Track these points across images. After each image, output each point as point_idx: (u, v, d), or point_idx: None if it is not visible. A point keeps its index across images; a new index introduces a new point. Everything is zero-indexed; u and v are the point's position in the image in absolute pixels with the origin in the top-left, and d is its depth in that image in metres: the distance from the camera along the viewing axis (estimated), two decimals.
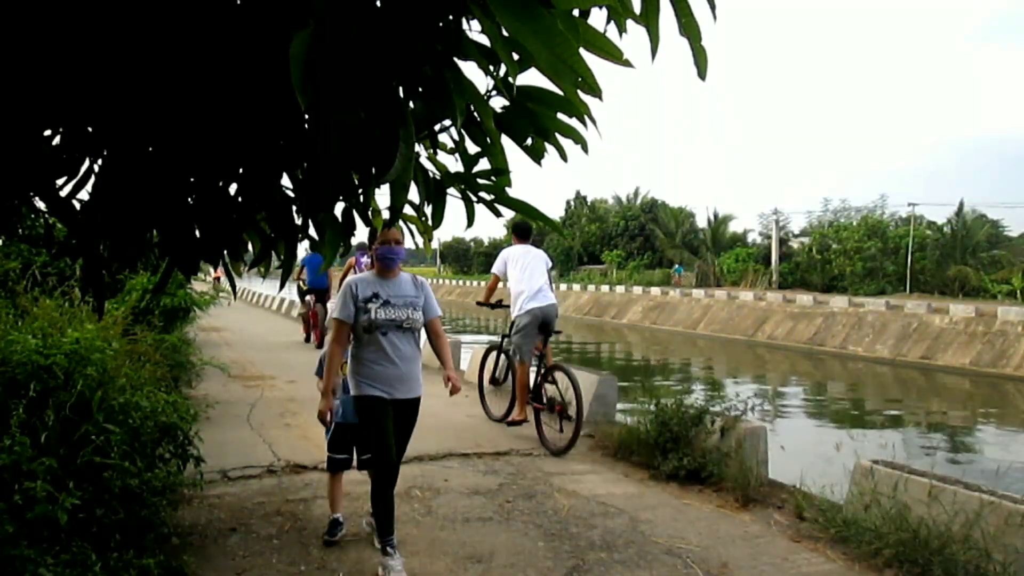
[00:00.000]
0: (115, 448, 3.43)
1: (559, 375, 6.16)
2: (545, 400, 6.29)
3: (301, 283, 13.52)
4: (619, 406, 7.62)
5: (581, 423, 5.83)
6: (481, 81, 2.40)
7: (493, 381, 7.62)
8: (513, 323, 6.63)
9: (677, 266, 42.88)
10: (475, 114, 1.52)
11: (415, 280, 3.87)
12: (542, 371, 6.48)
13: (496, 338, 7.89)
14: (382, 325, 3.62)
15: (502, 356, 7.40)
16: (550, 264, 6.85)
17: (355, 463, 4.19)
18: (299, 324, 13.29)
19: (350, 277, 3.74)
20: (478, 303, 7.45)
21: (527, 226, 6.84)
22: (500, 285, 7.08)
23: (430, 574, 3.67)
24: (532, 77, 1.45)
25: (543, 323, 6.55)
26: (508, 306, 6.81)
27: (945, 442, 11.86)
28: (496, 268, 6.94)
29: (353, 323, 3.66)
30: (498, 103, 1.61)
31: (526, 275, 6.54)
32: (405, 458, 5.81)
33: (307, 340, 13.56)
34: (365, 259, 10.16)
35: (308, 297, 13.33)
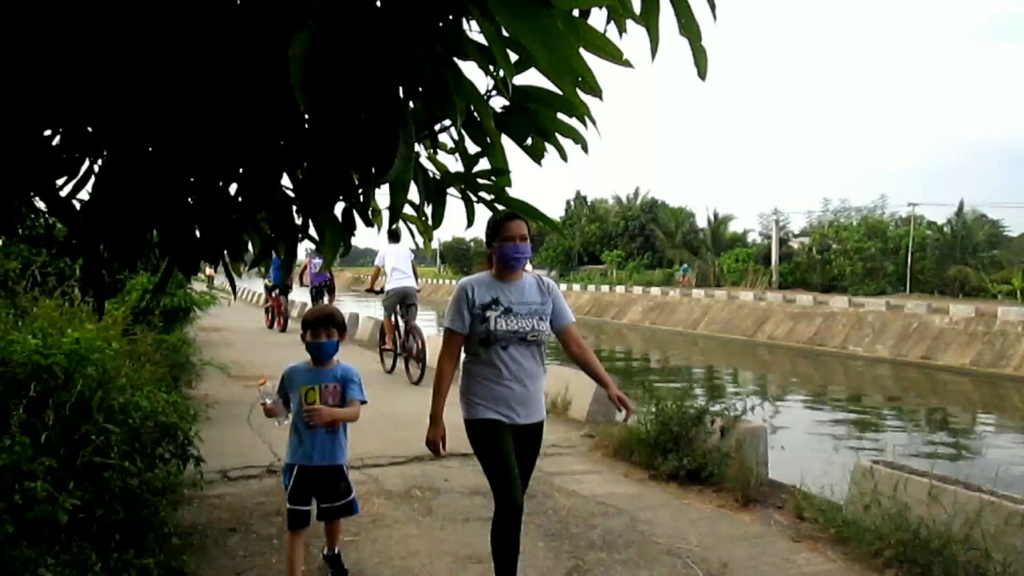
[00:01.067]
0: (115, 448, 3.43)
1: (414, 334, 9.30)
2: (406, 351, 9.43)
3: (267, 281, 15.99)
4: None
5: (425, 364, 8.92)
6: (481, 81, 2.40)
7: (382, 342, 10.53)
8: (386, 296, 9.61)
9: (684, 266, 42.07)
10: (475, 114, 1.52)
11: (541, 283, 3.19)
12: (405, 331, 9.48)
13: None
14: (503, 338, 3.01)
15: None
16: (413, 257, 9.68)
17: (315, 513, 3.42)
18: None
19: (464, 279, 3.13)
20: (367, 290, 10.82)
21: (396, 231, 8.68)
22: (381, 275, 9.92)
23: (430, 574, 3.67)
24: (532, 77, 1.45)
25: (402, 297, 9.42)
26: (381, 291, 9.89)
27: (945, 442, 11.86)
28: (377, 262, 9.89)
29: (467, 334, 3.07)
30: (498, 103, 1.61)
31: (394, 267, 9.37)
32: (405, 458, 5.86)
33: (271, 327, 16.04)
34: (318, 260, 12.01)
35: (274, 292, 16.13)
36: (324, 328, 3.28)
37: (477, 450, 3.09)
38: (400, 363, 9.66)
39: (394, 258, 9.29)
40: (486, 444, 3.04)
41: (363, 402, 3.39)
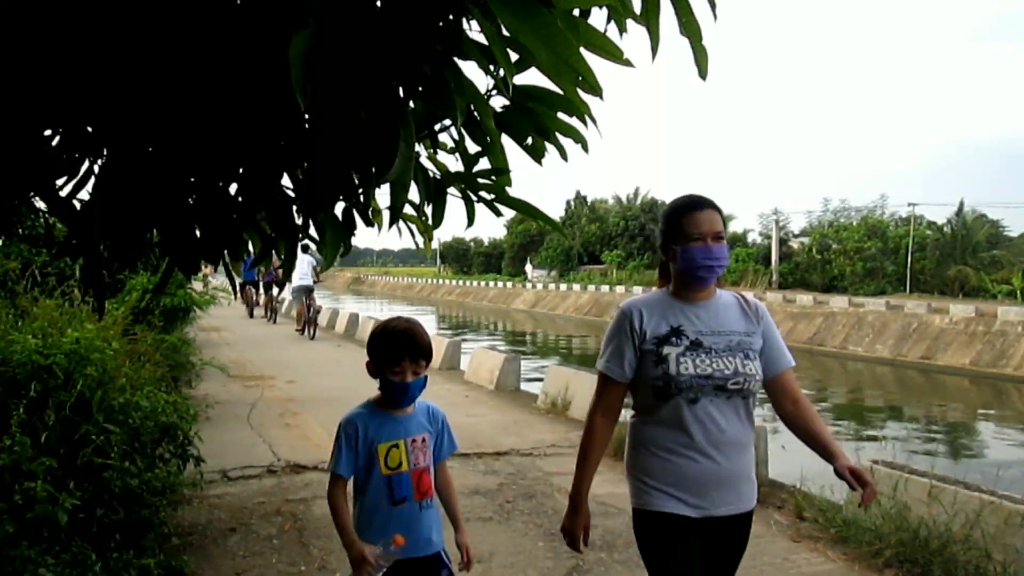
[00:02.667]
0: (115, 448, 3.43)
1: (313, 308, 14.76)
2: (311, 320, 14.65)
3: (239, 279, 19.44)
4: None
5: (316, 325, 14.80)
6: (481, 81, 2.40)
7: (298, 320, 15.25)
8: (293, 291, 14.91)
9: None
10: (475, 114, 1.52)
11: (744, 303, 2.19)
12: (308, 308, 14.67)
13: (495, 339, 9.53)
14: (690, 386, 2.01)
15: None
16: (315, 263, 14.51)
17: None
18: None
19: (629, 301, 2.18)
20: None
21: (305, 245, 10.62)
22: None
23: None
24: (532, 77, 1.45)
25: (305, 291, 14.53)
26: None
27: (945, 442, 11.86)
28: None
29: (632, 381, 2.11)
30: (498, 103, 1.61)
31: (297, 270, 12.51)
32: None
33: (251, 315, 18.73)
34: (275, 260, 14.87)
35: (248, 287, 18.65)
36: (411, 360, 2.16)
37: (646, 556, 2.12)
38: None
39: (298, 265, 13.18)
40: (660, 551, 2.07)
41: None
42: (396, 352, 2.15)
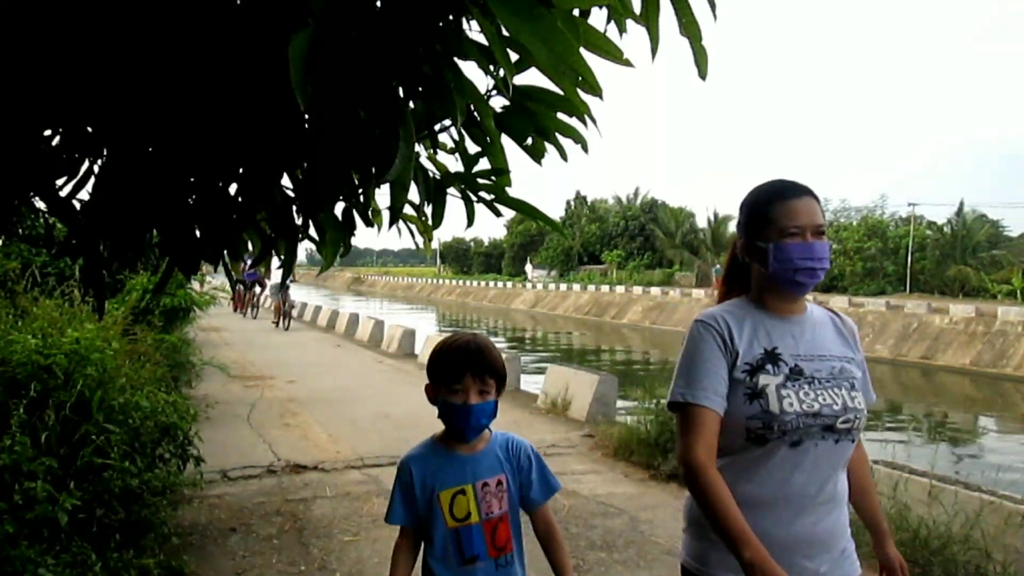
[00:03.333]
0: (115, 448, 3.43)
1: (288, 304, 16.93)
2: (287, 315, 16.76)
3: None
4: (619, 406, 7.63)
5: (291, 320, 17.09)
6: (481, 81, 2.40)
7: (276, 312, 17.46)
8: (272, 289, 17.97)
9: (716, 266, 39.09)
10: (475, 114, 1.52)
11: (838, 321, 1.78)
12: (285, 304, 16.75)
13: (495, 339, 9.63)
14: (798, 427, 1.58)
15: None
16: (277, 265, 16.77)
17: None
18: (295, 322, 18.33)
19: (706, 312, 1.71)
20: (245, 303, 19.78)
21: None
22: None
23: None
24: (532, 77, 1.45)
25: (282, 287, 15.32)
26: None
27: (945, 442, 11.86)
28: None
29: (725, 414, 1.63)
30: (498, 103, 1.61)
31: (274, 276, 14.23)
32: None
33: (235, 310, 20.03)
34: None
35: (239, 286, 19.56)
36: (475, 377, 1.73)
37: None
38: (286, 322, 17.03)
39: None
40: None
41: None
42: (456, 367, 1.72)
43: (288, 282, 17.35)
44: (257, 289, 19.42)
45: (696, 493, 1.58)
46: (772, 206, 1.65)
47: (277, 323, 16.93)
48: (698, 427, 1.58)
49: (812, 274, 1.63)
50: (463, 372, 1.72)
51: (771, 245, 1.64)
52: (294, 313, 18.06)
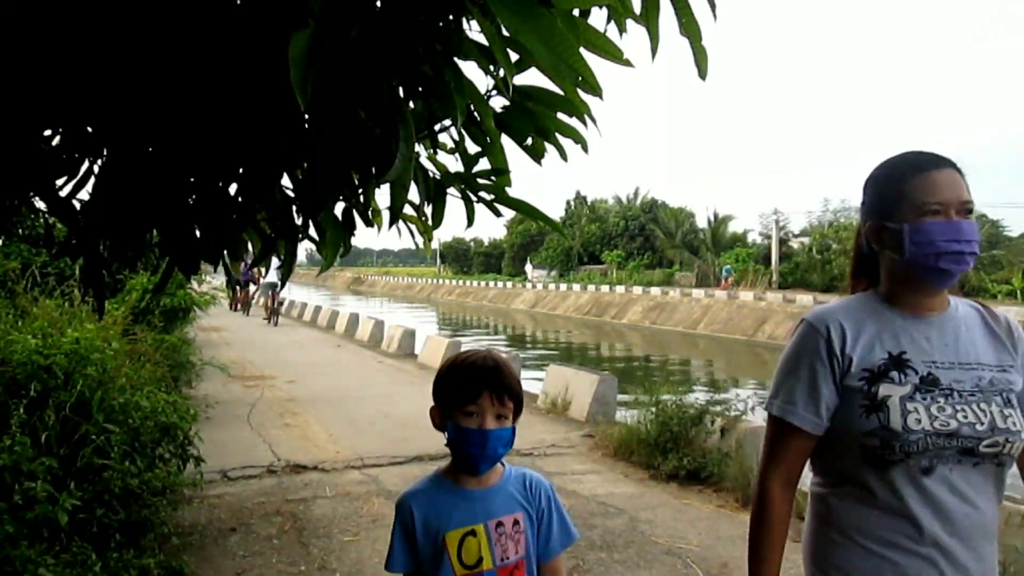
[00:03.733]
0: (115, 448, 3.43)
1: (277, 301, 18.13)
2: (275, 311, 18.00)
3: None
4: (619, 406, 7.63)
5: (279, 316, 18.28)
6: (481, 81, 2.40)
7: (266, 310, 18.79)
8: (260, 288, 18.93)
9: (727, 267, 38.37)
10: (475, 114, 1.52)
11: (990, 318, 1.48)
12: (273, 302, 17.96)
13: (496, 339, 9.65)
14: (927, 448, 1.33)
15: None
16: (278, 265, 16.67)
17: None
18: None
19: (818, 310, 1.50)
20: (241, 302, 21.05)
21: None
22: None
23: None
24: (532, 77, 1.45)
25: (271, 287, 17.77)
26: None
27: None
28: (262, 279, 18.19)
29: (827, 434, 1.42)
30: (498, 103, 1.61)
31: (266, 275, 16.95)
32: (405, 458, 5.87)
33: (232, 309, 20.86)
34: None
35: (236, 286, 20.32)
36: (493, 398, 1.49)
37: None
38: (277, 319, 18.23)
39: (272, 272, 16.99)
40: None
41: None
42: (471, 386, 1.48)
43: (277, 280, 18.38)
44: (251, 288, 20.57)
45: (752, 522, 1.48)
46: (907, 180, 1.38)
47: (268, 319, 18.11)
48: (782, 449, 1.42)
49: (959, 259, 1.33)
50: (479, 392, 1.47)
51: (906, 226, 1.36)
52: (282, 310, 19.45)
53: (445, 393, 1.53)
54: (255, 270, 18.70)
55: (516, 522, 1.53)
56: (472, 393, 1.48)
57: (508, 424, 1.50)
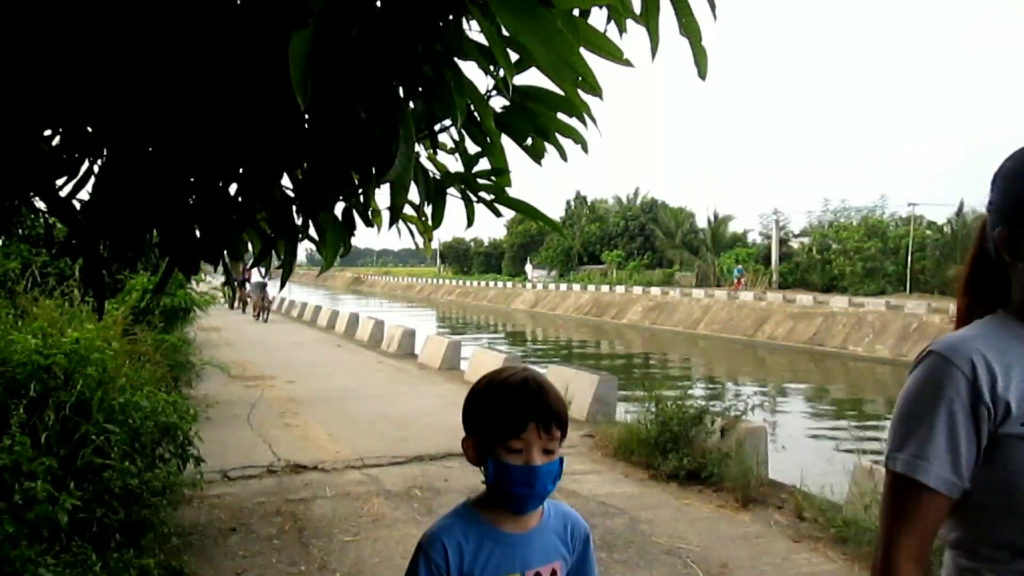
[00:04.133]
0: (115, 448, 3.44)
1: (266, 300, 20.15)
2: (265, 309, 19.96)
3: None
4: (619, 406, 7.63)
5: (268, 312, 20.32)
6: (481, 81, 2.40)
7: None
8: (251, 288, 20.40)
9: (739, 267, 37.09)
10: (475, 114, 1.52)
11: None
12: (263, 300, 19.91)
13: (496, 339, 9.65)
14: None
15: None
16: (265, 271, 17.51)
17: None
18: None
19: (951, 338, 1.15)
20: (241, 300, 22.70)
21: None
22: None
23: None
24: (533, 77, 1.45)
25: (260, 286, 19.74)
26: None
27: None
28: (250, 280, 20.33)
29: (966, 496, 1.11)
30: (498, 103, 1.61)
31: (254, 278, 19.70)
32: (405, 458, 5.86)
33: (232, 307, 22.00)
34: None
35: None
36: (540, 427, 1.29)
37: None
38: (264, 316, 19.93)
39: (254, 275, 19.45)
40: None
41: None
42: (516, 414, 1.26)
43: (266, 280, 18.77)
44: (246, 288, 21.73)
45: None
46: None
47: (257, 316, 20.00)
48: (913, 516, 1.11)
49: None
50: (524, 423, 1.25)
51: None
52: (271, 307, 21.23)
53: (482, 424, 1.31)
54: (256, 270, 19.82)
55: (554, 572, 1.35)
56: (516, 425, 1.26)
57: (556, 456, 1.29)
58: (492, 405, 1.30)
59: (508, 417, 1.26)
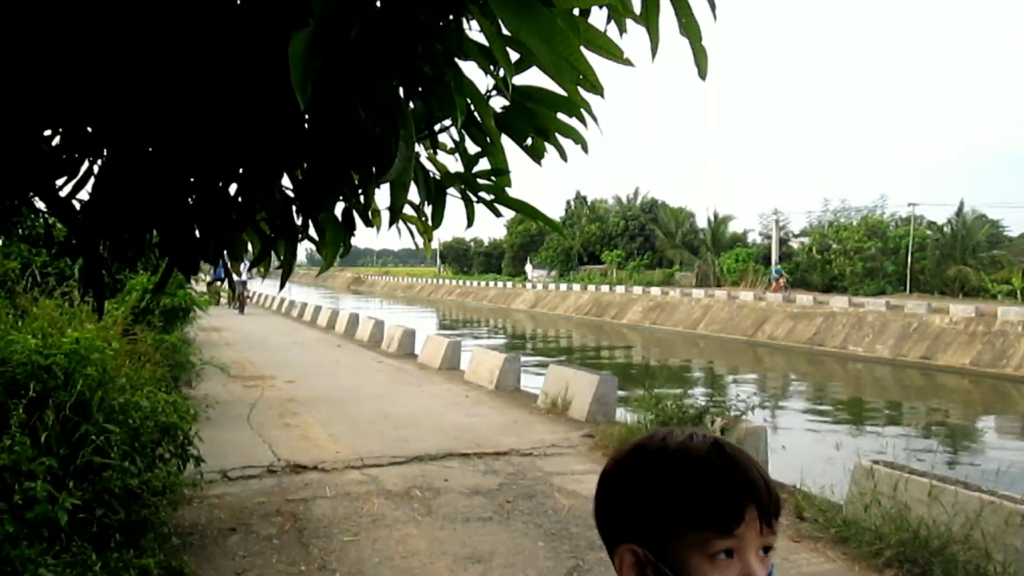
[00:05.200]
0: (115, 448, 3.43)
1: (246, 293, 24.79)
2: (243, 303, 23.63)
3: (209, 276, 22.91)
4: (619, 405, 7.63)
5: (244, 306, 23.67)
6: (481, 81, 2.40)
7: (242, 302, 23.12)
8: (238, 283, 22.00)
9: (777, 267, 34.52)
10: (475, 114, 1.52)
11: None
12: (241, 295, 23.38)
13: (496, 339, 9.64)
14: None
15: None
16: (249, 267, 16.02)
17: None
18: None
19: None
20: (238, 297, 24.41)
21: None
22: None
23: (430, 574, 3.67)
24: (533, 77, 1.45)
25: (241, 284, 22.20)
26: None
27: (945, 442, 11.85)
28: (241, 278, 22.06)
29: None
30: (498, 103, 1.61)
31: (240, 277, 21.17)
32: (405, 458, 5.86)
33: (229, 306, 23.51)
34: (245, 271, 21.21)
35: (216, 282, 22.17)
36: (761, 519, 0.85)
37: None
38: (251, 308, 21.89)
39: (242, 271, 19.53)
40: None
41: None
42: (725, 499, 0.86)
43: (251, 276, 20.35)
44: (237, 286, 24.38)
45: None
46: None
47: (239, 308, 22.99)
48: None
49: None
50: (741, 510, 0.84)
51: None
52: (248, 301, 24.55)
53: (655, 522, 0.86)
54: (254, 269, 21.30)
55: None
56: (727, 516, 0.84)
57: (771, 559, 0.86)
58: (675, 489, 0.87)
59: (712, 506, 0.84)
